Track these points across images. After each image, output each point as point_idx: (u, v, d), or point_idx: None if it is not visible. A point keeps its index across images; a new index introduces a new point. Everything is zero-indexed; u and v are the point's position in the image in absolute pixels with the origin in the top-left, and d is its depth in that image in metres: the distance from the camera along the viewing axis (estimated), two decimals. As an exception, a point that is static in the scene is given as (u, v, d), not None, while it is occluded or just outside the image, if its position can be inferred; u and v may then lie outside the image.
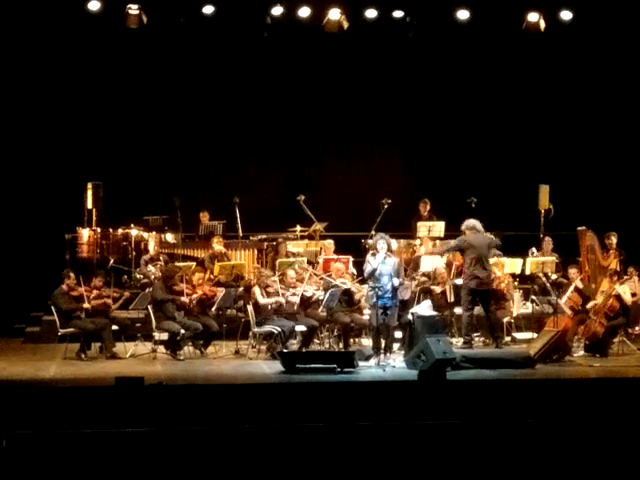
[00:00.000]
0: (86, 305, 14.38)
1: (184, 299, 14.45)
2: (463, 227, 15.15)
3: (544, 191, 18.32)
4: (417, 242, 17.14)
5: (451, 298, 15.57)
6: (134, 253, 17.34)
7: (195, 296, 14.64)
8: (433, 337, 13.35)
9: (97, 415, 10.45)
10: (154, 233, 17.53)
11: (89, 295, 14.51)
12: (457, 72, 19.59)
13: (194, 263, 16.17)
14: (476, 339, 15.36)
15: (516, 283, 16.33)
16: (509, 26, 18.21)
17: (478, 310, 15.13)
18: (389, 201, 17.10)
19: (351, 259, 16.22)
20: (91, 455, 9.63)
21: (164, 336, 14.54)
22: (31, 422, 10.25)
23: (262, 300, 14.45)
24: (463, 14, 18.05)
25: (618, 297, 14.61)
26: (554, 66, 19.48)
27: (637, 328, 15.21)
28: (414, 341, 13.85)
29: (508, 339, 15.55)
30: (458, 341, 15.22)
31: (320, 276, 15.58)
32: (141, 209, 18.05)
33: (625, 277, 15.02)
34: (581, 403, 11.36)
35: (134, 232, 17.52)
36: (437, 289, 15.39)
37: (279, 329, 14.21)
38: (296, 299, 14.59)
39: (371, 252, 14.30)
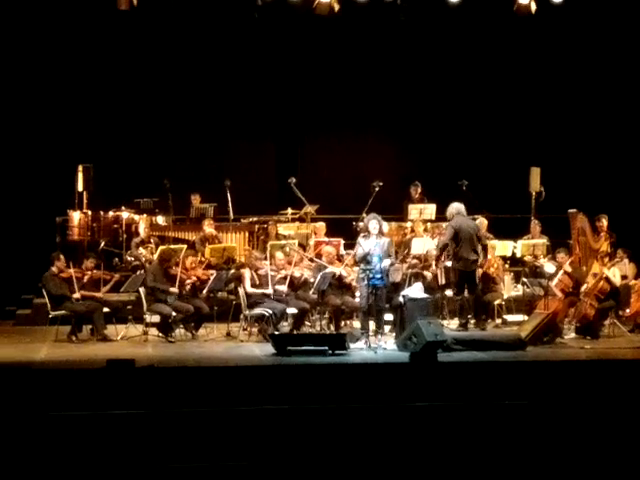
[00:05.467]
0: (76, 295, 14.33)
1: (173, 290, 14.37)
2: (448, 213, 15.24)
3: (535, 173, 18.32)
4: (408, 225, 17.16)
5: (442, 280, 15.59)
6: (125, 236, 17.31)
7: (188, 281, 14.61)
8: (424, 319, 13.36)
9: (88, 397, 10.47)
10: (145, 216, 17.50)
11: (79, 277, 14.48)
12: (448, 55, 19.54)
13: (185, 246, 16.13)
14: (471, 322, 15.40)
15: (507, 266, 16.36)
16: (500, 8, 18.13)
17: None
18: (380, 184, 17.07)
19: (342, 242, 16.21)
20: (82, 437, 9.65)
21: (155, 318, 14.51)
22: (22, 404, 10.26)
23: (249, 289, 14.43)
24: (454, -4, 17.98)
25: (608, 279, 14.62)
26: (545, 48, 19.44)
27: (627, 310, 15.23)
28: (405, 323, 13.86)
29: (499, 321, 15.59)
30: (449, 323, 15.30)
31: (311, 258, 15.56)
32: (132, 192, 17.99)
33: (615, 259, 15.04)
34: (572, 385, 11.42)
35: (125, 215, 17.50)
36: (429, 274, 15.38)
37: (270, 311, 14.20)
38: (284, 288, 14.55)
39: (362, 235, 14.28)
